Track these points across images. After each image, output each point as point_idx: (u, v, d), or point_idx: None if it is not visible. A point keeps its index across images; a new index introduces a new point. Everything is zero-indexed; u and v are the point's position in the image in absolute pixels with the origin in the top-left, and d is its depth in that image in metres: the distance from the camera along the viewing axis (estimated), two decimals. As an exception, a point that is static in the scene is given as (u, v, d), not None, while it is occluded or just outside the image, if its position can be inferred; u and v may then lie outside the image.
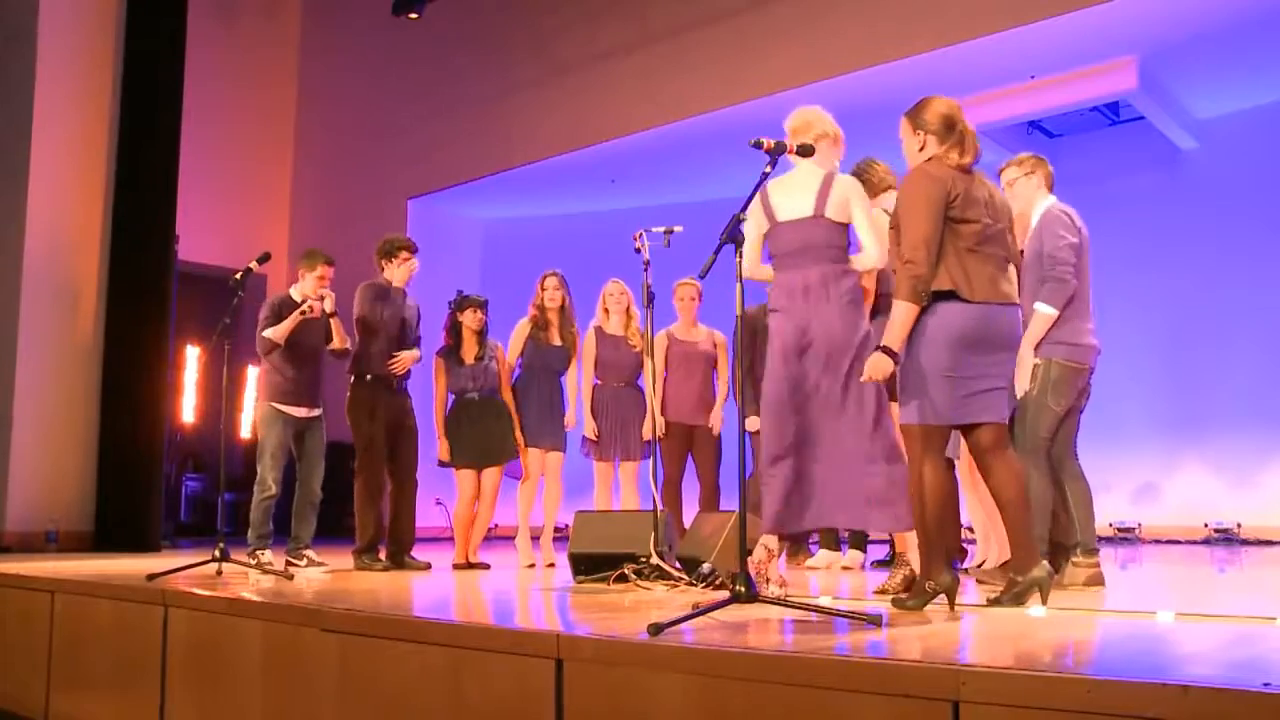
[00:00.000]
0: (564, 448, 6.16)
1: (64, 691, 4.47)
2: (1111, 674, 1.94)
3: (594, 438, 6.01)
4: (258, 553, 5.44)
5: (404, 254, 5.77)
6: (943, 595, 3.26)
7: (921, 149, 3.42)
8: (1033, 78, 8.10)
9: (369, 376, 5.67)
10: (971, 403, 3.28)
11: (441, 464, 6.06)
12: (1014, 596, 3.30)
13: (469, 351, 6.05)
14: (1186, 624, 2.91)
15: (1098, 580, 4.09)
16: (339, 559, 5.81)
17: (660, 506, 4.70)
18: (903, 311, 3.28)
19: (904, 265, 3.27)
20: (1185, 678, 1.84)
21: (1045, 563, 3.36)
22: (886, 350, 3.29)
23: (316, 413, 5.69)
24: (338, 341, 5.66)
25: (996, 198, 3.45)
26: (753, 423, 5.97)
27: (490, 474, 6.04)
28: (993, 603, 3.36)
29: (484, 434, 5.97)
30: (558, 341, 6.17)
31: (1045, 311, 4.07)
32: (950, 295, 3.25)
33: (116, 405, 8.14)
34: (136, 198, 8.35)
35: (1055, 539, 4.14)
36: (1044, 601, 3.26)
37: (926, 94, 3.61)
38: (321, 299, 5.54)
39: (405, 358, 5.75)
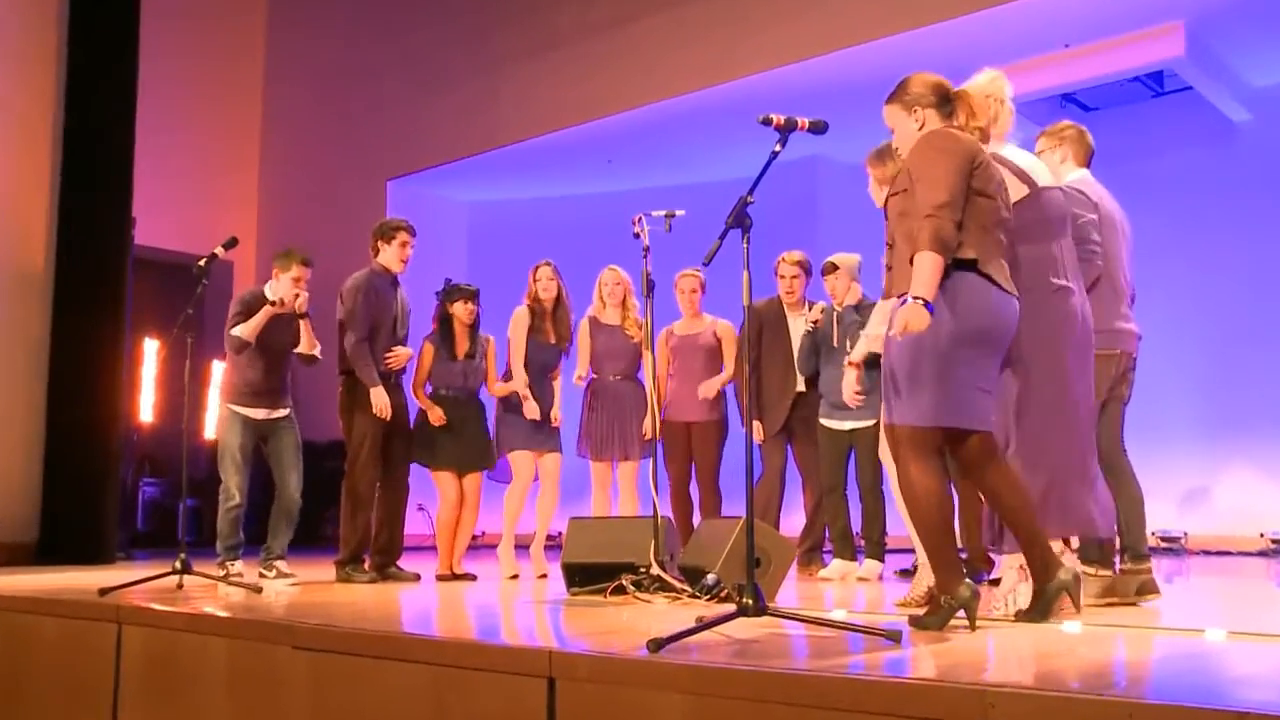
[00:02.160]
0: (560, 448, 6.14)
1: None
2: (1157, 697, 1.93)
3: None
4: (227, 564, 5.46)
5: (402, 235, 5.83)
6: (962, 611, 3.18)
7: (921, 126, 3.36)
8: (1067, 46, 8.08)
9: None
10: (965, 404, 3.16)
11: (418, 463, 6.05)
12: (1041, 609, 3.29)
13: (460, 346, 6.06)
14: (1239, 643, 2.91)
15: (1151, 588, 4.08)
16: (313, 570, 5.80)
17: (662, 511, 4.69)
18: (930, 261, 3.05)
19: (927, 218, 3.09)
20: (1240, 703, 1.83)
21: (1067, 565, 3.35)
22: (920, 300, 3.03)
23: (281, 414, 5.70)
24: (306, 346, 5.67)
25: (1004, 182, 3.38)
26: (758, 431, 5.97)
27: (472, 478, 6.04)
28: (1021, 616, 3.36)
29: (462, 438, 5.97)
30: (553, 339, 6.16)
31: None
32: (972, 266, 3.14)
33: (66, 404, 8.10)
34: (88, 177, 8.30)
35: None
36: (1076, 605, 3.23)
37: (947, 68, 3.56)
38: (296, 297, 5.55)
39: (402, 355, 5.82)
